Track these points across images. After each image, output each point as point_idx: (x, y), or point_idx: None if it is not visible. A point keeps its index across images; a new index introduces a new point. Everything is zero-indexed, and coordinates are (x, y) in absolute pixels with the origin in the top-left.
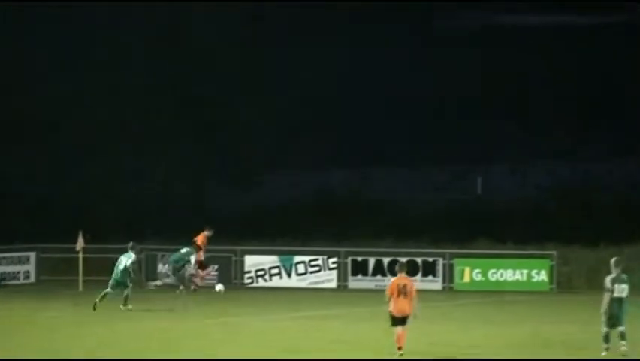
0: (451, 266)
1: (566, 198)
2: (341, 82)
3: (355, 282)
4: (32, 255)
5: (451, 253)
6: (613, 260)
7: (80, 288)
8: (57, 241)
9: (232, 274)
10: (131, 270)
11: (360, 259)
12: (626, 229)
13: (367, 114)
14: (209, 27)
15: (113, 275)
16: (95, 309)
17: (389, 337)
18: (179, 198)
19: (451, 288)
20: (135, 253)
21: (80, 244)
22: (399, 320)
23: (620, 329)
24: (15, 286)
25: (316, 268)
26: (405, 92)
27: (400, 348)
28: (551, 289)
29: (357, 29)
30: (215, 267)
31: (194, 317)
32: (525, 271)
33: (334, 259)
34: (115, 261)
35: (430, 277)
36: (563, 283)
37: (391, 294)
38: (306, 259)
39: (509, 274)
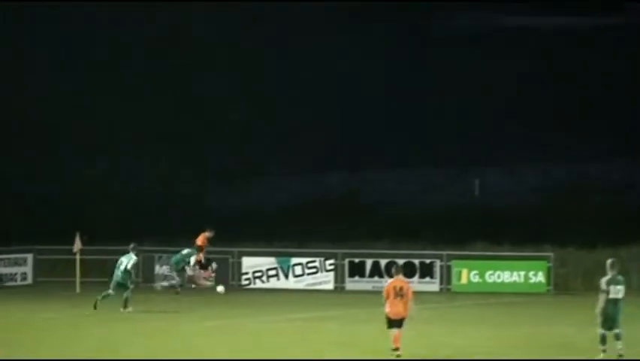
0: (449, 268)
1: (563, 199)
2: (340, 82)
3: (352, 283)
4: (29, 256)
5: (448, 255)
6: (609, 261)
7: (78, 290)
8: (54, 243)
9: (229, 276)
10: (132, 271)
11: (357, 260)
12: (622, 231)
13: (366, 115)
14: (209, 27)
15: (114, 277)
16: (95, 307)
17: (386, 338)
18: (179, 198)
19: (448, 289)
20: (136, 255)
21: (78, 245)
22: (395, 322)
23: (616, 331)
24: (12, 288)
25: (313, 270)
26: (404, 92)
27: (396, 349)
28: (548, 290)
29: (357, 29)
30: (215, 267)
31: (191, 319)
32: (522, 273)
33: (331, 261)
34: (115, 262)
35: (428, 279)
36: (560, 285)
37: (387, 296)
38: (304, 260)
39: (506, 275)
